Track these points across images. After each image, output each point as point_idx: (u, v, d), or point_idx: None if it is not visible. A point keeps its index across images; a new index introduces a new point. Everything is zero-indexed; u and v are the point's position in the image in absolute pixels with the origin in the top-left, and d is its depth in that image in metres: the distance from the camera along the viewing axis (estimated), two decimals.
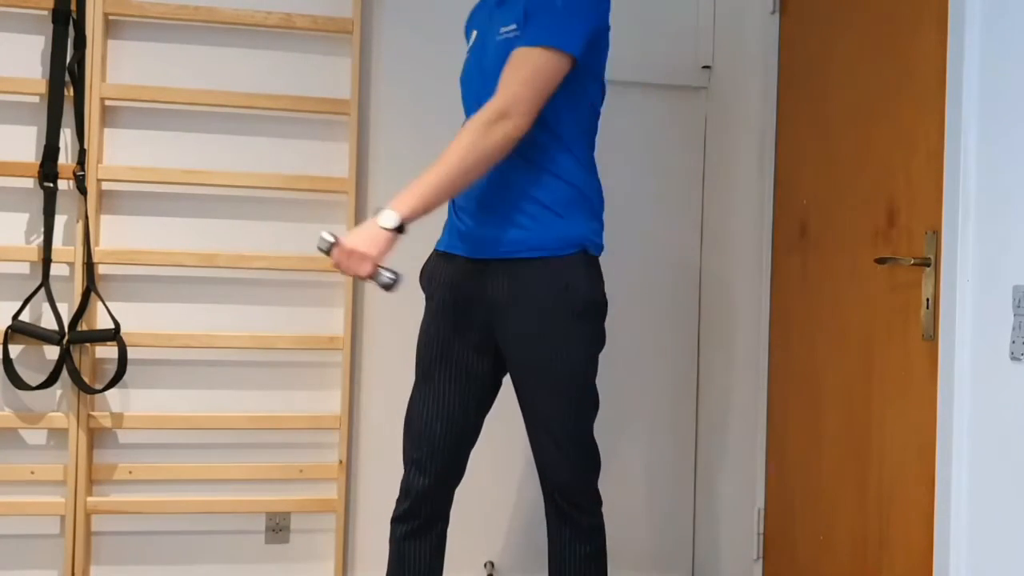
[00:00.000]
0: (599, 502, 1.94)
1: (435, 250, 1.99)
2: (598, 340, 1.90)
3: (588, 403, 1.90)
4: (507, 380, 1.95)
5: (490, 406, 1.97)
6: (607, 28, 1.88)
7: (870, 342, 2.05)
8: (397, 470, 1.96)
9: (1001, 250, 1.61)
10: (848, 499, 2.13)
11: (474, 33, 2.00)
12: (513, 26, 1.82)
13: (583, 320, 1.85)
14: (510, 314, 1.84)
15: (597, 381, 1.93)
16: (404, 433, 1.94)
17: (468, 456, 1.96)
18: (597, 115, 1.93)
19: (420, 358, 1.95)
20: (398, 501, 1.94)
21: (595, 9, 1.83)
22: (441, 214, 1.89)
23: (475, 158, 1.73)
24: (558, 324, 1.82)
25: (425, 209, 1.73)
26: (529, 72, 1.75)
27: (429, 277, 1.97)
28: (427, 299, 1.97)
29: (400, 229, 1.72)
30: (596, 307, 1.88)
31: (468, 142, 1.73)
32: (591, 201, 1.90)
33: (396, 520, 1.94)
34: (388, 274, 1.71)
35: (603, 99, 1.94)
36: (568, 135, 1.86)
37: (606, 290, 1.91)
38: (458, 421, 1.90)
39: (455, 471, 1.94)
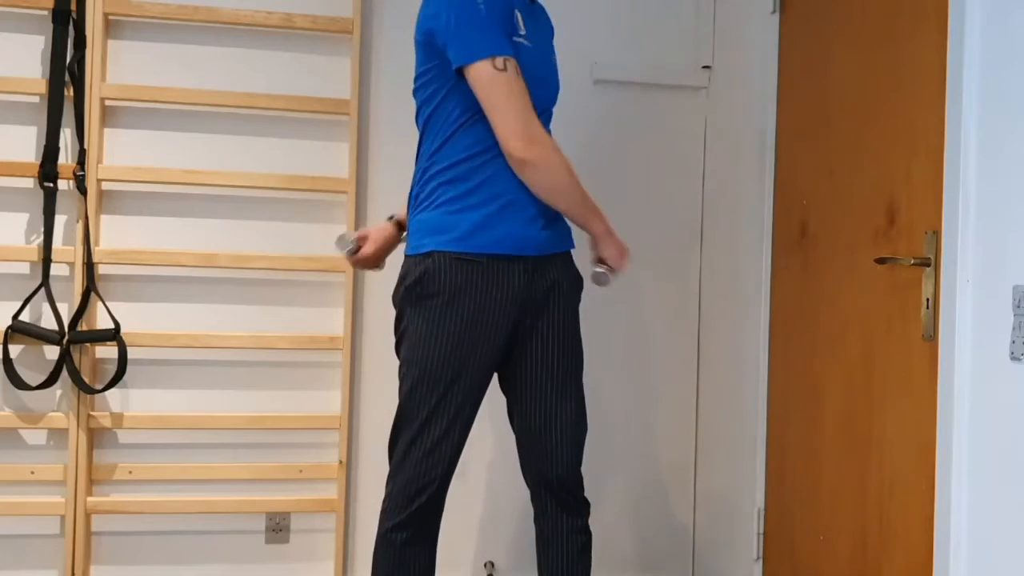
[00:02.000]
0: (583, 489, 2.01)
1: (446, 253, 1.83)
2: None
3: None
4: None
5: None
6: None
7: (870, 342, 2.05)
8: None
9: (1001, 250, 1.61)
10: (848, 499, 2.12)
11: (519, 16, 1.86)
12: None
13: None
14: (551, 308, 1.92)
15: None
16: (410, 446, 1.86)
17: None
18: None
19: (436, 378, 1.83)
20: (394, 510, 1.87)
21: None
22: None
23: None
24: (576, 313, 1.99)
25: None
26: None
27: (444, 284, 1.83)
28: (441, 307, 1.83)
29: None
30: None
31: None
32: None
33: (395, 528, 1.87)
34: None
35: None
36: None
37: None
38: (468, 430, 1.91)
39: (454, 471, 1.94)
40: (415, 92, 1.91)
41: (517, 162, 1.78)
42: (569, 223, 1.97)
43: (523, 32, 1.86)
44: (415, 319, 1.86)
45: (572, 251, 2.01)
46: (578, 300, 2.00)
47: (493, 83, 1.75)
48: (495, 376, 1.96)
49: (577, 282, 2.00)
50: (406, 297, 1.88)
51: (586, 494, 2.00)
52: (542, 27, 2.00)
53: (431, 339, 1.84)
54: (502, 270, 1.84)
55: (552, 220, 1.92)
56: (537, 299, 1.90)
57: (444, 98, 1.84)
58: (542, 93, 1.91)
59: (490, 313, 1.84)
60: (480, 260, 1.83)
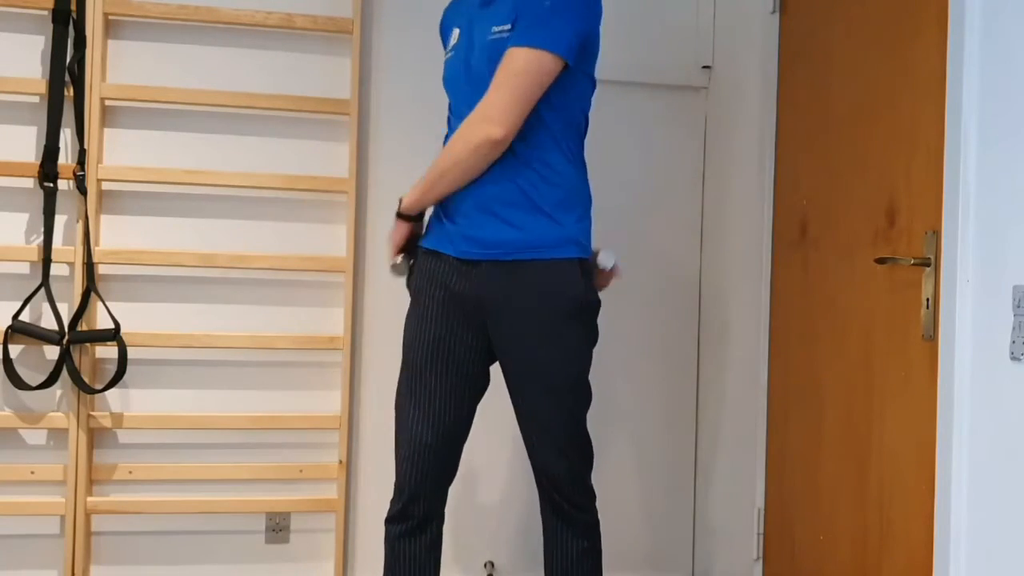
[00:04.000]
0: (594, 497, 1.97)
1: (420, 247, 1.97)
2: (592, 338, 1.93)
3: (583, 399, 1.93)
4: (500, 379, 1.96)
5: (481, 396, 1.97)
6: (598, 31, 1.90)
7: (870, 342, 2.05)
8: None
9: (1001, 250, 1.61)
10: (848, 499, 2.12)
11: (455, 32, 1.98)
12: (507, 26, 1.83)
13: (577, 321, 1.88)
14: (506, 315, 1.86)
15: (596, 380, 1.96)
16: (396, 433, 1.93)
17: (462, 451, 1.96)
18: (587, 114, 1.97)
19: (410, 358, 1.93)
20: (392, 501, 1.93)
21: (585, 12, 1.84)
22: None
23: (459, 159, 1.80)
24: (554, 326, 1.85)
25: (421, 204, 1.94)
26: (519, 74, 1.77)
27: (416, 275, 1.96)
28: (414, 296, 1.96)
29: (406, 217, 1.96)
30: (589, 307, 1.90)
31: (458, 143, 1.81)
32: (582, 201, 1.92)
33: (391, 520, 1.93)
34: (397, 259, 1.97)
35: (592, 97, 1.97)
36: (561, 135, 1.87)
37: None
38: (451, 420, 1.90)
39: (450, 468, 1.94)
40: None
41: None
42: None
43: (451, 45, 1.99)
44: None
45: (557, 260, 1.86)
46: (552, 311, 1.85)
47: None
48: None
49: (550, 292, 1.85)
50: None
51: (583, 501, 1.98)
52: (492, 10, 1.89)
53: (407, 327, 1.96)
54: (434, 265, 1.91)
55: (486, 225, 1.85)
56: (475, 303, 1.87)
57: None
58: (459, 91, 1.95)
59: (434, 306, 1.90)
60: (426, 253, 1.94)
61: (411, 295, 1.97)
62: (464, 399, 1.92)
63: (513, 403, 1.93)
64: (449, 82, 1.98)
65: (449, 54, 1.99)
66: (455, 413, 1.91)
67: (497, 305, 1.86)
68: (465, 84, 1.91)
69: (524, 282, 1.84)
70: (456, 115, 1.95)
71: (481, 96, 1.81)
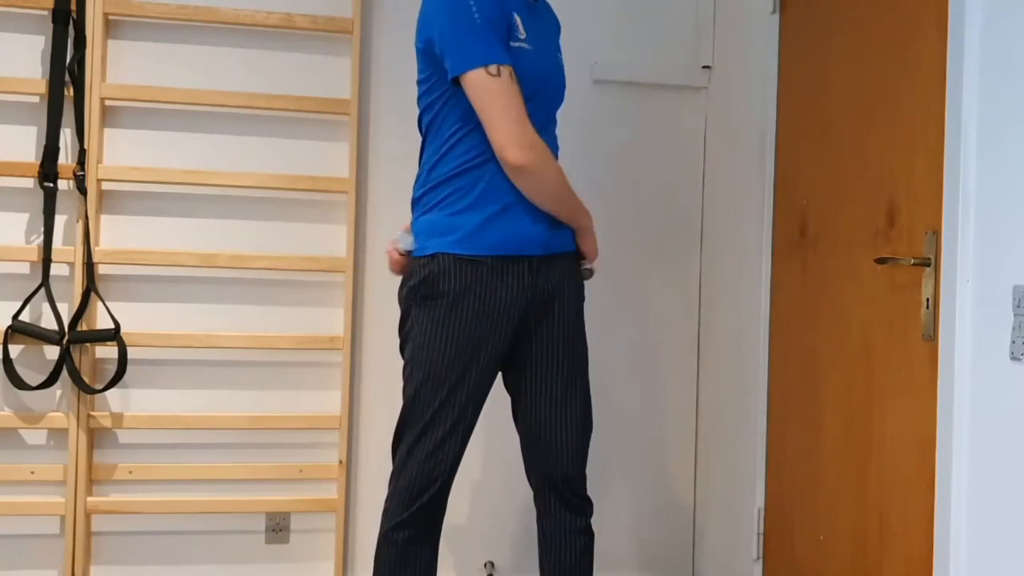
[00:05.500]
0: (586, 487, 2.01)
1: (450, 255, 1.83)
2: None
3: None
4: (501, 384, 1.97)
5: None
6: None
7: (870, 342, 2.05)
8: None
9: (1001, 250, 1.61)
10: (848, 499, 2.13)
11: (518, 19, 1.87)
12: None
13: None
14: (568, 304, 1.94)
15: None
16: (414, 446, 1.86)
17: None
18: None
19: (441, 378, 1.84)
20: (395, 510, 1.88)
21: None
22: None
23: None
24: (582, 309, 2.00)
25: None
26: None
27: (449, 284, 1.83)
28: (446, 307, 1.83)
29: None
30: None
31: None
32: None
33: (397, 527, 1.87)
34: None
35: None
36: None
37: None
38: (471, 430, 1.91)
39: (456, 471, 1.94)
40: (418, 98, 1.91)
41: (512, 169, 1.79)
42: None
43: (522, 36, 1.86)
44: (420, 320, 1.86)
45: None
46: (583, 298, 2.00)
47: (487, 91, 1.76)
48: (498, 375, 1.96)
49: (581, 281, 2.01)
50: (411, 298, 1.88)
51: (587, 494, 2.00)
52: (545, 26, 1.98)
53: (436, 340, 1.84)
54: (506, 270, 1.85)
55: (555, 220, 1.91)
56: (542, 298, 1.90)
57: (446, 104, 1.85)
58: (544, 96, 1.90)
59: (495, 313, 1.85)
60: (484, 261, 1.83)
61: (436, 309, 1.85)
62: (482, 404, 1.91)
63: (541, 399, 1.93)
64: (541, 77, 1.89)
65: (525, 44, 1.86)
66: (475, 422, 1.91)
67: (561, 296, 1.93)
68: (556, 87, 1.98)
69: (571, 271, 1.97)
70: (546, 114, 1.92)
71: (558, 102, 1.98)
